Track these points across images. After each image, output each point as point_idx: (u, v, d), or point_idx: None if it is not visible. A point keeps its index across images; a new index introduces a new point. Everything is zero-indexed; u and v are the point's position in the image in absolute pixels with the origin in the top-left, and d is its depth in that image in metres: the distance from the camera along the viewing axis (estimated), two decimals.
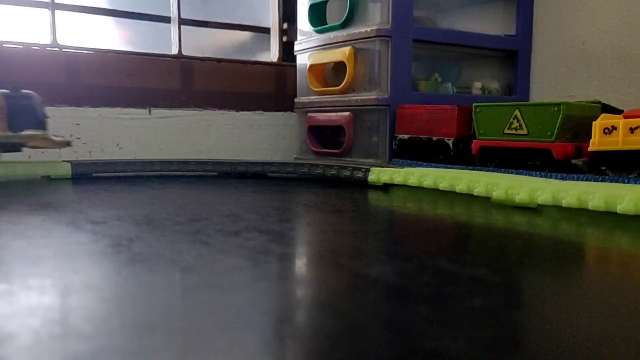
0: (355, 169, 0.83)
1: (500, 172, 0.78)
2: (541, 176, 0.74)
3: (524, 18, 1.17)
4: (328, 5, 1.15)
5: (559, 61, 1.15)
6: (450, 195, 0.69)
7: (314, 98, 1.15)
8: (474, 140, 0.86)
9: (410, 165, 0.90)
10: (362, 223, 0.51)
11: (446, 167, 0.85)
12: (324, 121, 1.11)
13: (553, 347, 0.22)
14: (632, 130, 0.67)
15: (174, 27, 1.29)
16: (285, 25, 1.42)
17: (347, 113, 1.05)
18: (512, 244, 0.43)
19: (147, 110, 1.22)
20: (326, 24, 1.14)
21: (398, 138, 0.98)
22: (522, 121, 0.81)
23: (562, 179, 0.71)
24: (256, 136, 1.32)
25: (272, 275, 0.33)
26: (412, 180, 0.74)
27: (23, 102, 0.79)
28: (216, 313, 0.25)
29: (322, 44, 1.12)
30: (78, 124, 1.12)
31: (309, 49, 1.16)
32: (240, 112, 1.30)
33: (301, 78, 1.21)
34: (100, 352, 0.21)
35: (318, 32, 1.13)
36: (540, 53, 1.18)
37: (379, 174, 0.80)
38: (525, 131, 0.80)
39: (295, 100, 1.22)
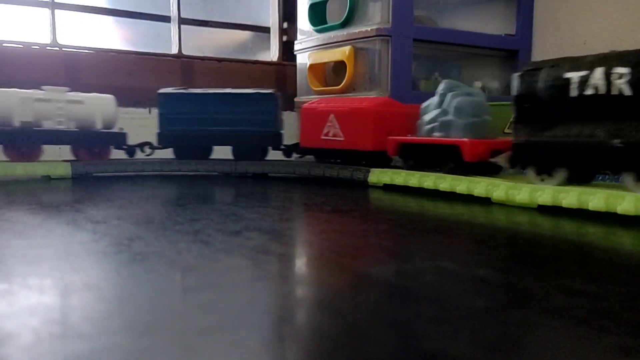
0: (356, 170, 0.83)
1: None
2: None
3: (524, 18, 1.17)
4: (328, 4, 1.15)
5: None
6: (450, 196, 0.69)
7: (314, 97, 1.15)
8: None
9: None
10: (362, 223, 0.51)
11: None
12: None
13: (554, 347, 0.22)
14: None
15: (174, 27, 1.29)
16: (285, 25, 1.42)
17: None
18: (513, 243, 0.43)
19: (147, 110, 1.22)
20: (326, 23, 1.14)
21: None
22: None
23: None
24: None
25: (273, 275, 0.33)
26: (413, 182, 0.74)
27: None
28: (216, 313, 0.25)
29: (322, 43, 1.12)
30: None
31: (309, 48, 1.16)
32: None
33: (301, 77, 1.21)
34: (100, 352, 0.21)
35: (318, 31, 1.13)
36: (540, 53, 1.18)
37: (379, 175, 0.79)
38: None
39: (295, 99, 1.22)
